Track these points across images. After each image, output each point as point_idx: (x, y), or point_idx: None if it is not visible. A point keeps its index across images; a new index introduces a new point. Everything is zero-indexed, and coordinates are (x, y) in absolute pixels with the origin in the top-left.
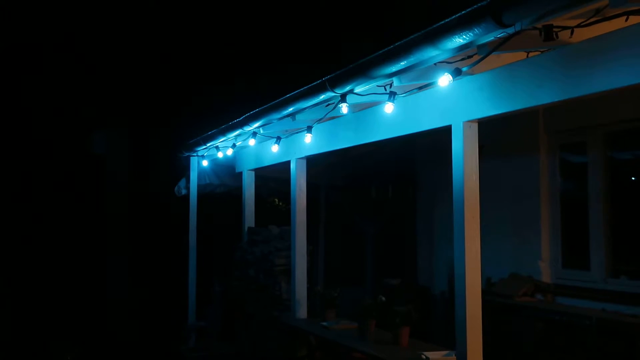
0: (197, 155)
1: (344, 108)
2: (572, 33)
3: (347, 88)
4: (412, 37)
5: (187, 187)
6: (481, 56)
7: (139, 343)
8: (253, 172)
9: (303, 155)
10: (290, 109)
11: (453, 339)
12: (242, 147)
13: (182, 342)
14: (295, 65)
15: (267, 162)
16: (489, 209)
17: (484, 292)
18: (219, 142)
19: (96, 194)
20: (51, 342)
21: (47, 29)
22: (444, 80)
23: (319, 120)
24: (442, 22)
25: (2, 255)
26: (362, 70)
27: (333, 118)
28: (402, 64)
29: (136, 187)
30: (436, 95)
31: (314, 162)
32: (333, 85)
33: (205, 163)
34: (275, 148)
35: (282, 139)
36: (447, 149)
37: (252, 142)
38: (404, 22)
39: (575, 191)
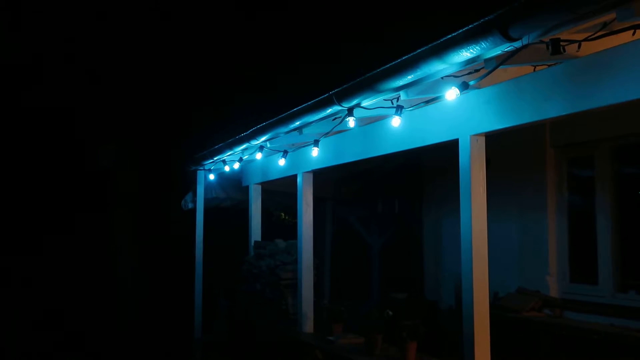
0: (204, 169)
1: (351, 122)
2: (579, 47)
3: (354, 102)
4: (419, 50)
5: (194, 201)
6: (488, 70)
7: (145, 356)
8: (260, 186)
9: (310, 169)
10: (297, 123)
11: (461, 354)
12: (249, 161)
13: (188, 356)
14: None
15: (273, 175)
16: (496, 223)
17: (491, 307)
18: (226, 155)
19: (104, 208)
20: (59, 354)
21: (55, 42)
22: (451, 93)
23: (326, 134)
24: (449, 35)
25: (11, 268)
26: (369, 83)
27: (340, 132)
28: (409, 77)
29: (143, 200)
30: (443, 109)
31: (320, 176)
32: (340, 99)
33: (212, 177)
34: (282, 162)
35: (288, 153)
36: (454, 163)
37: (259, 155)
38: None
39: (583, 205)
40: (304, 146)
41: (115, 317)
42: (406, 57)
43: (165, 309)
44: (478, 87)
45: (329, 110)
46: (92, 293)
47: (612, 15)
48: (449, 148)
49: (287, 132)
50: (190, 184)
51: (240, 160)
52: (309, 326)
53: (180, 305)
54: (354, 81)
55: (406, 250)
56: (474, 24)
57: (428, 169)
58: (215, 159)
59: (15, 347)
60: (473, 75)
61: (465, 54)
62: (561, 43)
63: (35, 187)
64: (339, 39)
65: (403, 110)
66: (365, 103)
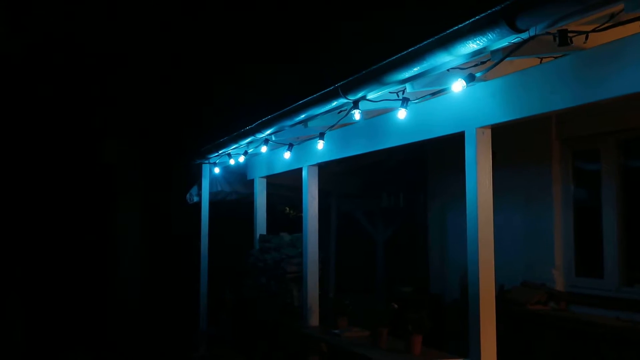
0: (209, 163)
1: (357, 114)
2: (586, 38)
3: (360, 94)
4: (425, 42)
5: (199, 195)
6: (495, 62)
7: (150, 350)
8: (265, 180)
9: (315, 162)
10: (303, 116)
11: (466, 348)
12: (254, 154)
13: (193, 350)
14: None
15: (278, 169)
16: (501, 216)
17: (496, 300)
18: (231, 149)
19: (108, 203)
20: (63, 348)
21: (58, 37)
22: (458, 85)
23: (331, 127)
24: (456, 27)
25: (15, 263)
26: (374, 76)
27: (345, 125)
28: (415, 69)
29: (148, 194)
30: (449, 102)
31: (325, 170)
32: (345, 91)
33: (217, 170)
34: (287, 155)
35: (294, 146)
36: (460, 156)
37: (264, 149)
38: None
39: (589, 199)
40: (309, 139)
41: (120, 312)
42: (412, 48)
43: (170, 303)
44: (484, 80)
45: (335, 103)
46: (96, 287)
47: (620, 6)
48: (455, 141)
49: (293, 125)
50: (195, 178)
51: (246, 153)
52: (314, 319)
53: (186, 299)
54: (359, 73)
55: (411, 244)
56: (481, 15)
57: (433, 162)
58: (220, 152)
59: (21, 341)
60: (479, 68)
61: (472, 45)
62: (568, 34)
63: (39, 182)
64: (344, 30)
65: (409, 102)
66: (370, 96)
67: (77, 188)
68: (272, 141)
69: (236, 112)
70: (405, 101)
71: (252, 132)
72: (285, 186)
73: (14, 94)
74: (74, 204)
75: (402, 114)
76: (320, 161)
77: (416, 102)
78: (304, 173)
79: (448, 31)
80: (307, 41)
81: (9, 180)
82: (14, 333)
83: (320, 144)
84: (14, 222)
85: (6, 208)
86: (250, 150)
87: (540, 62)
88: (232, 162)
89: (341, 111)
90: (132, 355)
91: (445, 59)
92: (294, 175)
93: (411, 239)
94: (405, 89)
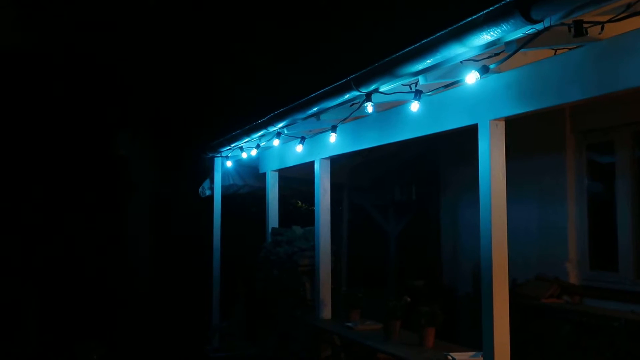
0: (221, 156)
1: (369, 107)
2: (602, 29)
3: (373, 87)
4: (438, 34)
5: (211, 188)
6: (509, 53)
7: (163, 343)
8: (277, 173)
9: (327, 156)
10: (315, 109)
11: (479, 341)
12: (266, 148)
13: (206, 342)
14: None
15: (290, 162)
16: (515, 209)
17: (509, 294)
18: (243, 142)
19: (120, 196)
20: (77, 341)
21: (72, 30)
22: (471, 77)
23: (344, 120)
24: (469, 18)
25: (27, 256)
26: (387, 68)
27: (357, 118)
28: (429, 61)
29: (160, 187)
30: (462, 94)
31: (337, 163)
32: (358, 84)
33: (229, 164)
34: (299, 148)
35: (306, 139)
36: (472, 149)
37: (276, 142)
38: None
39: (603, 191)
40: (321, 132)
41: (133, 305)
42: (426, 40)
43: (182, 296)
44: (498, 71)
45: (347, 96)
46: (107, 279)
47: None
48: (468, 133)
49: (305, 119)
50: (207, 171)
51: (258, 147)
52: (326, 312)
53: (198, 292)
54: (372, 66)
55: (423, 237)
56: (495, 6)
57: (446, 154)
58: (232, 145)
59: (34, 333)
60: (493, 59)
61: (486, 36)
62: (584, 25)
63: (52, 174)
64: (357, 22)
65: (422, 95)
66: (383, 88)
67: (89, 181)
68: (284, 134)
69: (248, 106)
70: (418, 93)
71: (264, 125)
72: (297, 179)
73: (29, 88)
74: (86, 196)
75: (415, 106)
76: (332, 154)
77: (429, 95)
78: (316, 166)
79: (462, 22)
80: (320, 36)
81: (24, 173)
82: (28, 325)
83: (333, 137)
84: (27, 215)
85: (20, 201)
86: (262, 144)
87: (555, 54)
88: (244, 155)
89: (353, 104)
90: (145, 348)
91: (458, 50)
92: (306, 169)
93: (423, 233)
94: (418, 81)
